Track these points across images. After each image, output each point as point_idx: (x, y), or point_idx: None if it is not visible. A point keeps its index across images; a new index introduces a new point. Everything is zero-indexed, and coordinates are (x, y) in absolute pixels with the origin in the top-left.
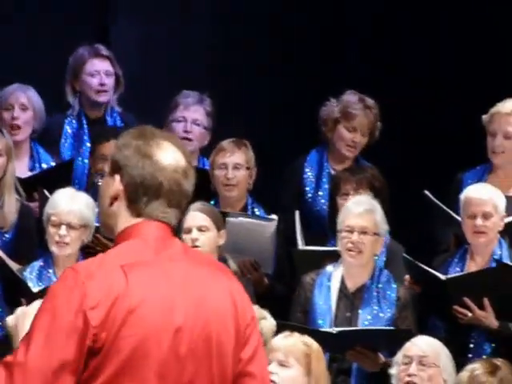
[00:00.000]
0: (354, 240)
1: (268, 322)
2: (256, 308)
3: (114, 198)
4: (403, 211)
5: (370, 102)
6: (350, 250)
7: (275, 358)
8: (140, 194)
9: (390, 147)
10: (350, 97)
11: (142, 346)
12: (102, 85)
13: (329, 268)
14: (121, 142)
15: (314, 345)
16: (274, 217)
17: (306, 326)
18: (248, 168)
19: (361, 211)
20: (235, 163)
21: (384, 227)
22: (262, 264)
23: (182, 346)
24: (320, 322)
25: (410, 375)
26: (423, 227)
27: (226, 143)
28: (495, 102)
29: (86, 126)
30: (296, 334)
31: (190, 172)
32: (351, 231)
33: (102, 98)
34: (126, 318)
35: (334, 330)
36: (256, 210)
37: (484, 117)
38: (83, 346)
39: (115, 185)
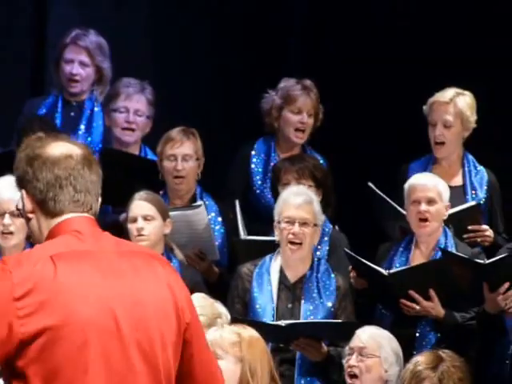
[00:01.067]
0: (295, 231)
1: (225, 319)
2: (211, 302)
3: (31, 212)
4: (348, 201)
5: (307, 82)
6: (291, 242)
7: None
8: (46, 194)
9: (335, 138)
10: (288, 82)
11: (78, 334)
12: (72, 74)
13: (267, 259)
14: (16, 159)
15: (245, 332)
16: (200, 203)
17: (257, 320)
18: (197, 159)
19: (301, 202)
20: (184, 154)
21: (321, 218)
22: (207, 252)
23: (120, 333)
24: (261, 313)
25: (350, 366)
26: (368, 217)
27: (174, 133)
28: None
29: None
30: (226, 326)
31: (90, 158)
32: (292, 222)
33: (74, 89)
34: (56, 307)
35: (283, 323)
36: (205, 199)
37: (424, 107)
38: (12, 333)
39: (25, 201)
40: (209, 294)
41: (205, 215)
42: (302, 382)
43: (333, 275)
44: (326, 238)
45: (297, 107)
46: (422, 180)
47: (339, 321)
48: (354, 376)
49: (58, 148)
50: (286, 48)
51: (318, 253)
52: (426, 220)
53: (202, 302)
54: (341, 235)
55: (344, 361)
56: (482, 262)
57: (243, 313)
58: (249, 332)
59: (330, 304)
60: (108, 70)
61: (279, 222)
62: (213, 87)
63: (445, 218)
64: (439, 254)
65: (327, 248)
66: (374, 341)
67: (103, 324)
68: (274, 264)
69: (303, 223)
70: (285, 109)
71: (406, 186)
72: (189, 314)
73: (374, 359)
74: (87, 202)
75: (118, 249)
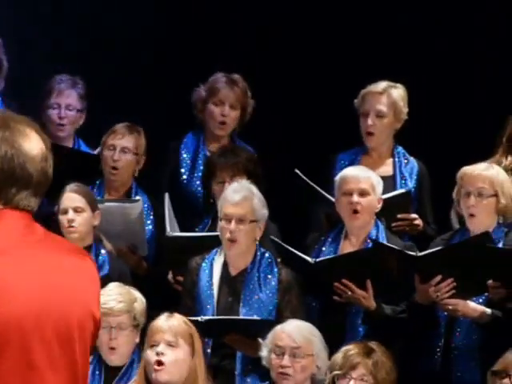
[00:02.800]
0: (231, 229)
1: (140, 303)
2: (127, 289)
3: None
4: (279, 190)
5: (235, 76)
6: (228, 240)
7: (163, 339)
8: (8, 184)
9: (265, 126)
10: (216, 76)
11: (2, 332)
12: None
13: (213, 252)
14: None
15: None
16: (138, 198)
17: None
18: (136, 154)
19: (238, 199)
20: (123, 146)
21: (263, 211)
22: (137, 247)
23: (44, 330)
24: (204, 306)
25: (283, 366)
26: (297, 206)
27: (119, 126)
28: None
29: None
30: (176, 314)
31: (50, 157)
32: (229, 220)
33: None
34: None
35: (202, 319)
36: (139, 195)
37: (356, 100)
38: None
39: None
40: (134, 285)
41: (140, 210)
42: (243, 376)
43: (276, 269)
44: None
45: (219, 99)
46: (354, 172)
47: (257, 318)
48: (286, 375)
49: (34, 144)
50: (223, 42)
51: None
52: (357, 212)
53: (120, 289)
54: (271, 225)
55: (265, 352)
56: (414, 254)
57: (191, 307)
58: None
59: (271, 298)
60: (4, 61)
61: (220, 220)
62: (146, 82)
63: (377, 210)
64: (369, 246)
65: None
66: (306, 339)
67: (25, 321)
68: (219, 257)
69: (240, 220)
70: (209, 101)
71: (338, 177)
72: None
73: (309, 358)
74: (37, 203)
75: (47, 244)
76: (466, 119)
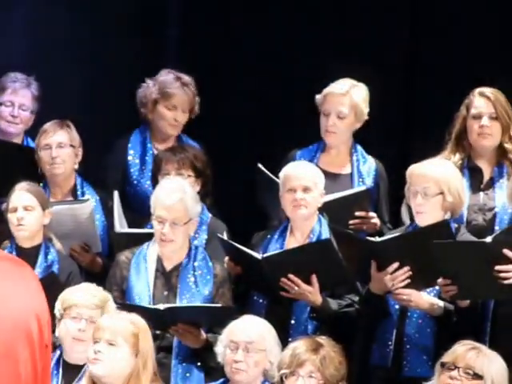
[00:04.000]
0: (165, 232)
1: (111, 303)
2: (100, 290)
3: None
4: (230, 189)
5: (186, 79)
6: (162, 240)
7: (103, 337)
8: None
9: (216, 124)
10: (166, 76)
11: None
12: None
13: (144, 247)
14: None
15: (142, 323)
16: (87, 197)
17: (138, 304)
18: (72, 146)
19: (171, 202)
20: (58, 142)
21: (196, 209)
22: (90, 245)
23: None
24: (138, 301)
25: (236, 361)
26: (250, 204)
27: (48, 125)
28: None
29: None
30: (123, 313)
31: None
32: (163, 222)
33: None
34: None
35: (162, 306)
36: (85, 189)
37: (317, 97)
38: None
39: None
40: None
41: (90, 209)
42: (180, 369)
43: (210, 263)
44: (204, 227)
45: (172, 104)
46: (297, 168)
47: (218, 305)
48: (239, 370)
49: None
50: (164, 37)
51: (195, 242)
52: (301, 207)
53: (94, 289)
54: (219, 223)
55: (220, 348)
56: (373, 239)
57: (121, 300)
58: (142, 322)
59: (206, 292)
60: None
61: (153, 219)
62: (93, 81)
63: (319, 205)
64: (313, 240)
65: (205, 236)
66: (259, 335)
67: None
68: (151, 252)
69: (173, 223)
70: (160, 103)
71: (281, 174)
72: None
73: (262, 353)
74: None
75: None
76: (419, 115)
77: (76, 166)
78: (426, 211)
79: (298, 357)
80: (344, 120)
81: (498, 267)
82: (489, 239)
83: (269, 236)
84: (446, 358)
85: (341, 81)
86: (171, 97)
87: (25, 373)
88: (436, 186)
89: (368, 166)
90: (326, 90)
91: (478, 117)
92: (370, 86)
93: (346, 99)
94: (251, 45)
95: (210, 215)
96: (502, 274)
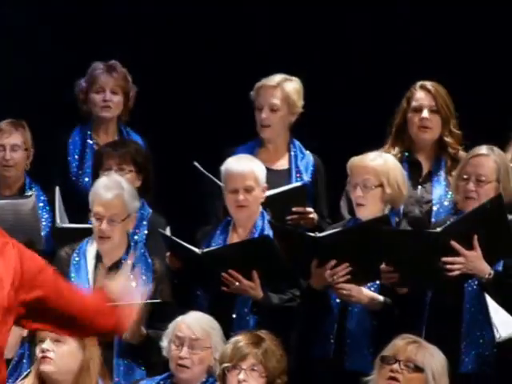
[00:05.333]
0: (102, 229)
1: None
2: None
3: None
4: (171, 184)
5: (112, 62)
6: (100, 237)
7: (48, 335)
8: None
9: (159, 119)
10: (94, 65)
11: None
12: None
13: (84, 243)
14: None
15: None
16: (30, 193)
17: None
18: (26, 149)
19: (109, 199)
20: (12, 145)
21: (134, 205)
22: (34, 241)
23: None
24: None
25: (181, 358)
26: (191, 199)
27: (3, 124)
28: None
29: None
30: None
31: None
32: (100, 219)
33: None
34: None
35: None
36: (34, 189)
37: (252, 93)
38: None
39: None
40: None
41: (34, 205)
42: (121, 365)
43: (149, 259)
44: (144, 222)
45: (99, 86)
46: (237, 167)
47: (157, 300)
48: (183, 367)
49: None
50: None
51: (136, 237)
52: (244, 208)
53: None
54: (160, 219)
55: (166, 342)
56: (313, 235)
57: None
58: None
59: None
60: None
61: (91, 216)
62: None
63: (262, 200)
64: (256, 236)
65: (145, 232)
66: (205, 332)
67: None
68: (91, 248)
69: (111, 220)
70: (90, 91)
71: (223, 171)
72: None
73: (207, 351)
74: None
75: None
76: (361, 109)
77: (27, 168)
78: (365, 203)
79: (239, 350)
80: (277, 112)
81: (444, 259)
82: (438, 230)
83: (212, 231)
84: (387, 351)
85: (273, 75)
86: (96, 80)
87: None
88: (375, 177)
89: (306, 161)
90: (258, 84)
91: (419, 109)
92: (310, 79)
93: (278, 91)
94: (183, 40)
95: (151, 210)
96: (448, 266)
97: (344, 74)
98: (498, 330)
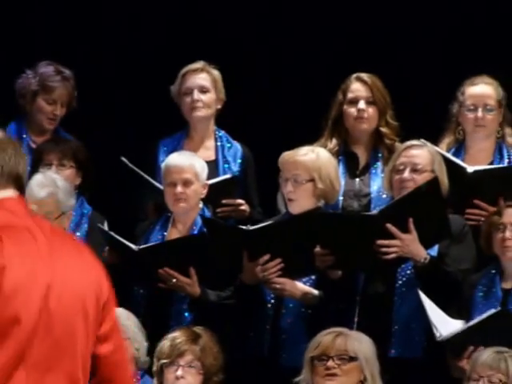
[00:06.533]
0: None
1: None
2: None
3: None
4: (107, 180)
5: (67, 73)
6: None
7: None
8: None
9: (88, 118)
10: (47, 69)
11: (13, 309)
12: None
13: None
14: None
15: None
16: None
17: None
18: None
19: (42, 196)
20: None
21: (69, 203)
22: None
23: (52, 311)
24: None
25: None
26: (125, 195)
27: None
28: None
29: None
30: None
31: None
32: None
33: None
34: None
35: None
36: None
37: (173, 85)
38: None
39: None
40: None
41: None
42: None
43: None
44: (84, 219)
45: (52, 98)
46: (177, 161)
47: None
48: None
49: None
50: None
51: (77, 233)
52: (182, 201)
53: None
54: (99, 216)
55: None
56: (245, 228)
57: None
58: None
59: None
60: None
61: None
62: None
63: (202, 196)
64: (196, 231)
65: (86, 229)
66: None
67: (34, 300)
68: None
69: (45, 217)
70: (39, 96)
71: (163, 165)
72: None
73: (126, 342)
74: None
75: (50, 229)
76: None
77: None
78: (296, 198)
79: (177, 347)
80: (207, 94)
81: (379, 241)
82: (374, 212)
83: (151, 227)
84: (315, 351)
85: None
86: (52, 91)
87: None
88: (306, 172)
89: (234, 152)
90: (182, 71)
91: (355, 101)
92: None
93: (205, 74)
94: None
95: (91, 208)
96: (383, 249)
97: (279, 67)
98: (437, 329)
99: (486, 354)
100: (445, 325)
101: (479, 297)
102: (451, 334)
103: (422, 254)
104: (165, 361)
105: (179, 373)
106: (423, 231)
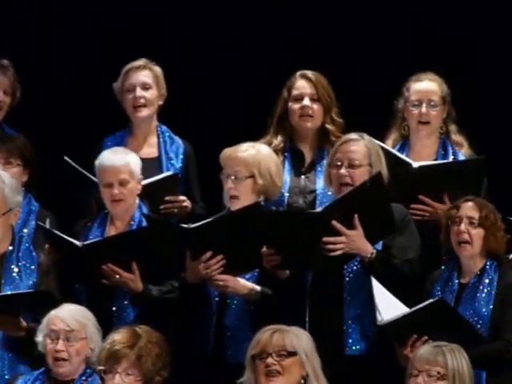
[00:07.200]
0: None
1: None
2: None
3: None
4: (53, 177)
5: (5, 62)
6: None
7: None
8: None
9: (32, 115)
10: None
11: None
12: None
13: None
14: None
15: None
16: None
17: None
18: None
19: None
20: None
21: (16, 199)
22: None
23: None
24: None
25: (57, 351)
26: (70, 194)
27: None
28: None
29: None
30: None
31: None
32: None
33: None
34: None
35: None
36: None
37: (115, 84)
38: None
39: None
40: None
41: None
42: (5, 358)
43: (34, 253)
44: (32, 216)
45: None
46: (112, 161)
47: (32, 290)
48: (61, 360)
49: None
50: None
51: (25, 230)
52: (119, 202)
53: None
54: (46, 213)
55: (41, 337)
56: (186, 226)
57: None
58: None
59: (30, 282)
60: None
61: None
62: None
63: (138, 192)
64: (134, 227)
65: (33, 226)
66: (79, 323)
67: None
68: None
69: None
70: None
71: (97, 164)
72: None
73: (82, 342)
74: None
75: None
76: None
77: None
78: (237, 194)
79: (115, 354)
80: (149, 91)
81: (325, 239)
82: (319, 210)
83: (90, 224)
84: (254, 350)
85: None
86: None
87: None
88: (246, 169)
89: (176, 148)
90: (125, 68)
91: (300, 98)
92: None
93: (147, 71)
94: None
95: (38, 204)
96: (329, 246)
97: (222, 63)
98: (380, 313)
99: (424, 349)
100: (389, 310)
101: (437, 291)
102: (391, 319)
103: (369, 249)
104: (102, 367)
105: (116, 380)
106: (369, 227)
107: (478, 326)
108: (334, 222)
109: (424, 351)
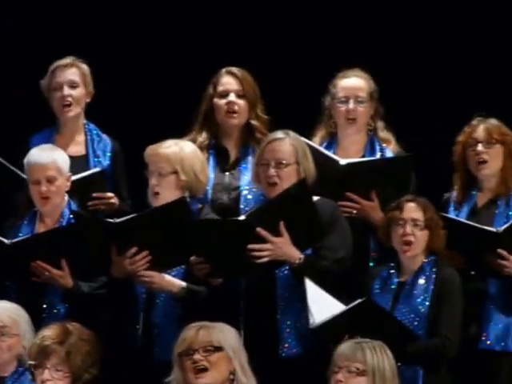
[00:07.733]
0: None
1: None
2: None
3: None
4: None
5: None
6: None
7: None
8: None
9: None
10: None
11: None
12: None
13: None
14: None
15: None
16: None
17: None
18: None
19: None
20: None
21: None
22: None
23: None
24: None
25: None
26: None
27: None
28: None
29: None
30: None
31: None
32: None
33: None
34: None
35: None
36: None
37: (42, 81)
38: None
39: None
40: None
41: None
42: None
43: None
44: None
45: None
46: (39, 158)
47: None
48: None
49: None
50: None
51: None
52: (48, 199)
53: None
54: None
55: None
56: (111, 221)
57: None
58: None
59: None
60: None
61: None
62: None
63: (67, 189)
64: (64, 224)
65: None
66: (12, 319)
67: None
68: None
69: None
70: None
71: (25, 163)
72: None
73: (15, 338)
74: None
75: None
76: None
77: None
78: (161, 191)
79: (44, 349)
80: (77, 89)
81: (250, 246)
82: (243, 217)
83: (19, 222)
84: (180, 347)
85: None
86: None
87: None
88: (168, 165)
89: (103, 145)
90: (52, 66)
91: (225, 94)
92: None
93: (74, 69)
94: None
95: None
96: (256, 253)
97: (149, 60)
98: (312, 315)
99: (344, 345)
100: (321, 313)
101: (376, 289)
102: (322, 321)
103: (296, 255)
104: (32, 362)
105: (45, 376)
106: (296, 233)
107: (416, 323)
108: (259, 229)
109: (344, 347)
